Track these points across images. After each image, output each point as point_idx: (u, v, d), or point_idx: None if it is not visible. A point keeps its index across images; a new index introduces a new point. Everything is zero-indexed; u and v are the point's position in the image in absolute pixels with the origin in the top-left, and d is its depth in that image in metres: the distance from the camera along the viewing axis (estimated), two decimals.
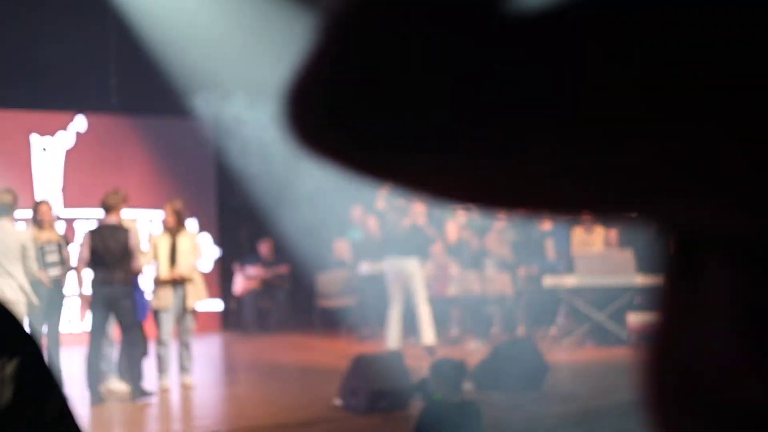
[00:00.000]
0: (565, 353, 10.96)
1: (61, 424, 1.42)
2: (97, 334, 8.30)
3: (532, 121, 0.64)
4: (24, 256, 7.54)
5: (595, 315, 11.57)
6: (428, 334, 10.68)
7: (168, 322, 9.14)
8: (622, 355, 10.89)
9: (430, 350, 10.48)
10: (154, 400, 8.49)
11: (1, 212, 7.60)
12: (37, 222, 8.64)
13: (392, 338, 10.55)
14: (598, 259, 11.75)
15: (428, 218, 11.24)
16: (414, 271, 10.59)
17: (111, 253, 8.19)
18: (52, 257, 8.31)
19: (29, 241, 7.74)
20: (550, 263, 12.34)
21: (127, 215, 9.18)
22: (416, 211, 10.88)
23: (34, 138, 13.26)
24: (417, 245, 10.71)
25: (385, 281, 11.00)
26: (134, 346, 8.34)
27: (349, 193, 14.32)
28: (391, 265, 10.69)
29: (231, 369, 9.79)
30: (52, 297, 8.29)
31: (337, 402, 7.95)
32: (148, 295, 9.24)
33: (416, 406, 7.23)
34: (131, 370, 8.34)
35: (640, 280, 11.68)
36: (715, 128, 0.63)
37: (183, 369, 9.16)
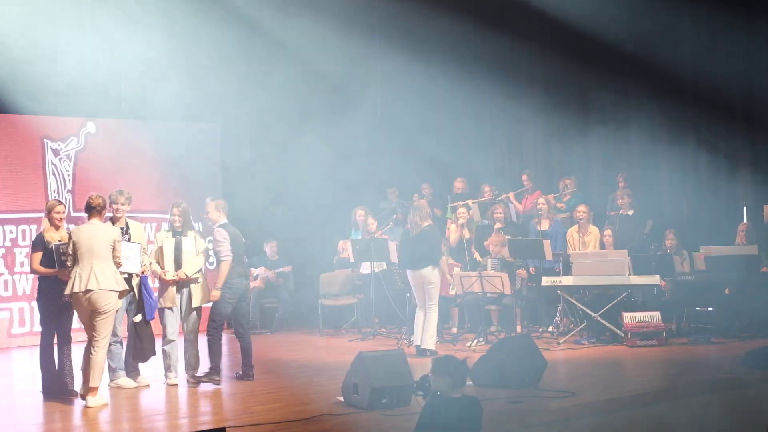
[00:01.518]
0: (563, 351, 11.06)
1: None
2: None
3: None
4: (114, 249, 8.36)
5: (592, 313, 11.70)
6: (429, 339, 10.83)
7: (174, 321, 9.37)
8: (617, 352, 11.01)
9: (428, 353, 10.64)
10: (161, 395, 8.72)
11: (94, 213, 8.48)
12: (52, 223, 8.80)
13: (422, 337, 10.78)
14: (594, 259, 11.88)
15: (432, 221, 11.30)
16: (430, 278, 10.79)
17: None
18: (67, 256, 8.44)
19: (119, 236, 8.51)
20: (547, 263, 12.44)
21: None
22: (422, 214, 10.96)
23: (47, 142, 13.44)
24: (428, 249, 10.82)
25: (395, 283, 11.27)
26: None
27: (352, 195, 14.48)
28: (410, 275, 10.93)
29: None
30: None
31: (340, 399, 8.02)
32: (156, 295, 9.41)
33: (418, 402, 7.23)
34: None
35: (634, 279, 11.82)
36: None
37: (189, 366, 9.37)
